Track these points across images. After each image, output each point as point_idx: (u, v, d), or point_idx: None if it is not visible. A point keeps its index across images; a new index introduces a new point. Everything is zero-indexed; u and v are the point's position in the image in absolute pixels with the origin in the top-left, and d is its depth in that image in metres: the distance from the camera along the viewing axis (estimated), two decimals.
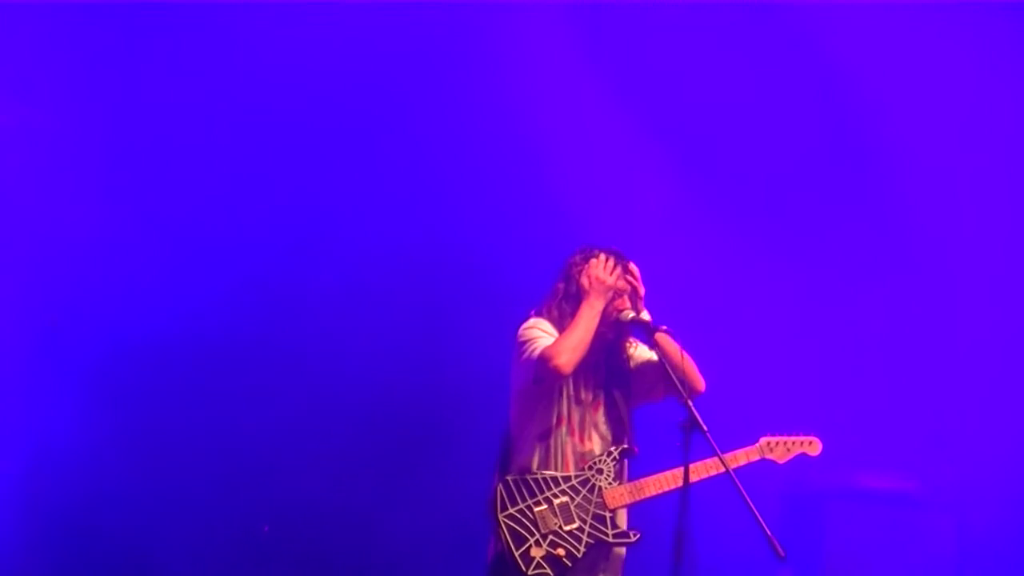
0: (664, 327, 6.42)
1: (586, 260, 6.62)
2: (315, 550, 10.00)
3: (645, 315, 6.59)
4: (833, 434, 9.81)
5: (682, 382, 6.23)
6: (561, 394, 6.51)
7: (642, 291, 6.63)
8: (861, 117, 10.29)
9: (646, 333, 6.46)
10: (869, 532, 9.56)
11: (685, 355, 6.45)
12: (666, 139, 10.25)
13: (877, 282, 10.34)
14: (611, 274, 6.53)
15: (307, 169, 10.07)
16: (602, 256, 6.57)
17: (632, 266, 6.64)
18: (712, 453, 6.24)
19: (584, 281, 6.53)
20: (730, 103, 10.25)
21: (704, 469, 6.46)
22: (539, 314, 6.64)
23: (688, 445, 6.17)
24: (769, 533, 5.97)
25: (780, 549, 5.99)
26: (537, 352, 6.40)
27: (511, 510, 6.37)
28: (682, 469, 6.24)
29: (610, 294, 6.50)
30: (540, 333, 6.48)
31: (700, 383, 6.54)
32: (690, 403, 6.16)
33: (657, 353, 6.43)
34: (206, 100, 9.90)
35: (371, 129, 10.14)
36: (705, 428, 6.15)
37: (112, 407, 9.75)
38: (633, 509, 6.55)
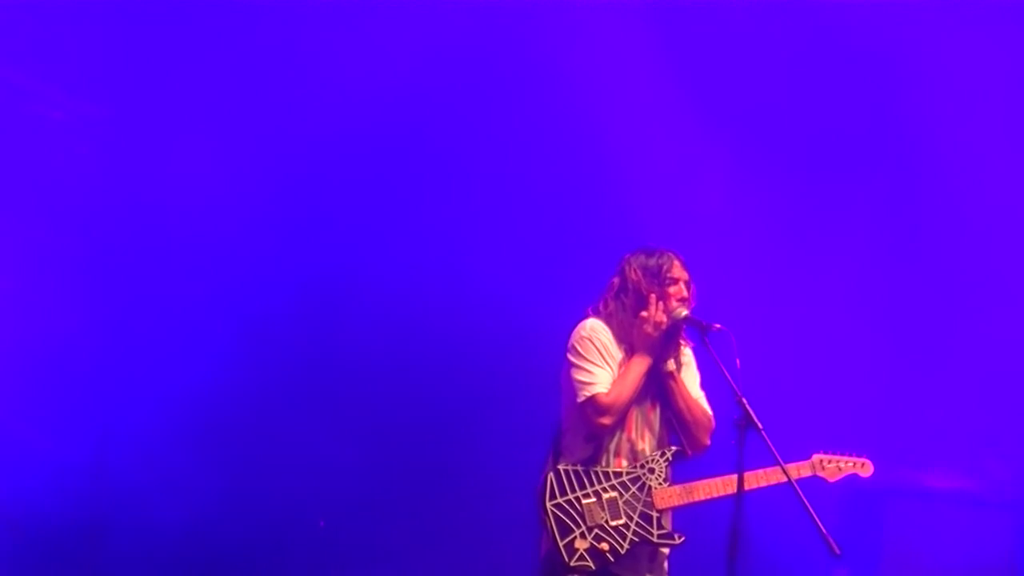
0: (717, 325, 6.42)
1: (646, 258, 6.62)
2: (372, 544, 10.09)
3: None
4: (891, 433, 9.86)
5: (732, 382, 6.23)
6: None
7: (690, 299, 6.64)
8: (915, 119, 10.24)
9: (699, 331, 6.45)
10: (926, 531, 9.52)
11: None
12: (708, 140, 10.23)
13: (933, 280, 10.28)
14: (661, 321, 6.51)
15: (339, 179, 10.16)
16: (651, 306, 6.54)
17: (682, 273, 6.63)
18: (766, 458, 6.23)
19: (636, 333, 6.53)
20: (775, 102, 10.23)
21: (758, 479, 6.46)
22: (596, 312, 6.64)
23: (742, 442, 6.17)
24: (824, 531, 5.96)
25: (835, 547, 5.97)
26: (588, 397, 6.42)
27: (559, 499, 6.38)
28: (734, 477, 6.26)
29: (658, 346, 6.51)
30: (594, 367, 6.46)
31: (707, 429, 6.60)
32: (744, 400, 6.15)
33: (711, 351, 6.43)
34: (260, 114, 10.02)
35: (397, 137, 10.20)
36: (760, 426, 6.15)
37: (174, 402, 9.88)
38: (678, 509, 6.54)
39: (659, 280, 6.56)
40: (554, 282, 9.65)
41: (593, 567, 6.32)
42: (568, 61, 10.10)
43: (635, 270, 6.60)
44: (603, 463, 6.47)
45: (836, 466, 6.76)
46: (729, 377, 6.24)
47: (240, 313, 10.00)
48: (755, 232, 10.14)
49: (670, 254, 6.65)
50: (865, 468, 6.83)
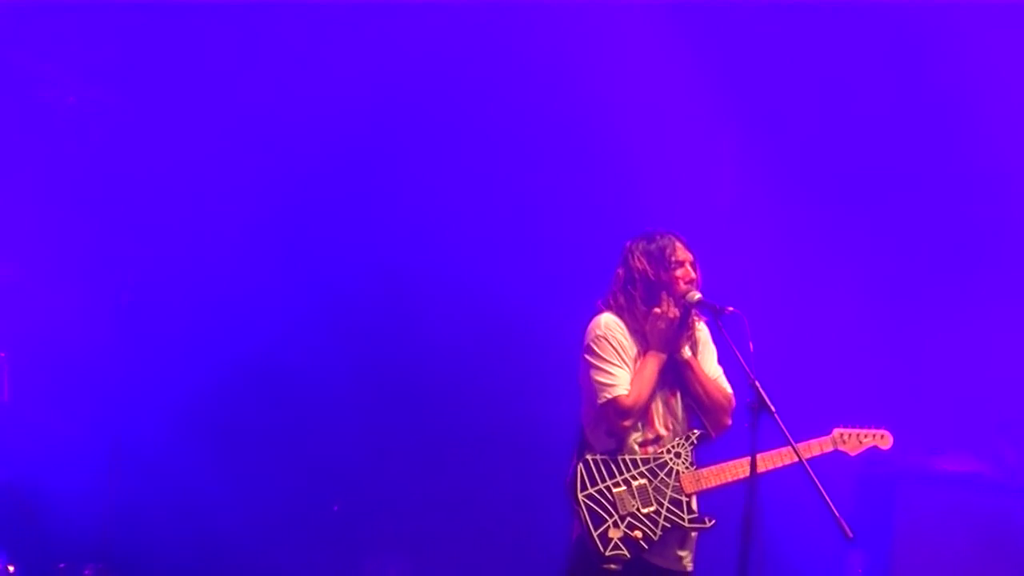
0: (730, 308, 6.41)
1: (647, 243, 6.60)
2: (401, 531, 10.16)
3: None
4: (904, 417, 9.85)
5: (746, 365, 6.23)
6: None
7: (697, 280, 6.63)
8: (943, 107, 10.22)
9: (712, 315, 6.45)
10: (938, 514, 9.51)
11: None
12: (718, 121, 10.22)
13: (948, 263, 10.26)
14: (674, 315, 6.51)
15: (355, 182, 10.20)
16: (663, 303, 6.53)
17: (685, 254, 6.62)
18: (782, 438, 6.23)
19: (648, 328, 6.53)
20: (788, 83, 10.22)
21: (776, 459, 6.46)
22: (607, 306, 6.62)
23: (756, 426, 6.18)
24: (837, 514, 5.96)
25: (848, 530, 5.97)
26: (609, 400, 6.42)
27: (591, 490, 6.38)
28: (759, 456, 6.29)
29: (672, 336, 6.51)
30: (613, 367, 6.45)
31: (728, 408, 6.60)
32: (757, 383, 6.15)
33: (724, 335, 6.42)
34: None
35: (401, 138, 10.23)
36: (773, 409, 6.15)
37: (185, 398, 9.95)
38: (704, 493, 6.54)
39: (664, 265, 6.55)
40: (572, 276, 9.64)
41: (628, 555, 6.33)
42: (569, 58, 10.10)
43: (639, 258, 6.58)
44: (629, 450, 6.47)
45: (856, 439, 6.76)
46: (742, 360, 6.24)
47: (250, 314, 10.08)
48: (770, 214, 10.12)
49: (670, 236, 6.63)
50: (885, 440, 6.84)
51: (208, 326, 10.05)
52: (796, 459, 6.26)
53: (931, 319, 10.22)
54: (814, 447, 6.62)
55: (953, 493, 9.60)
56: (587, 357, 6.53)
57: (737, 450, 6.51)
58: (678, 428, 6.56)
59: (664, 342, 6.50)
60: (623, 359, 6.50)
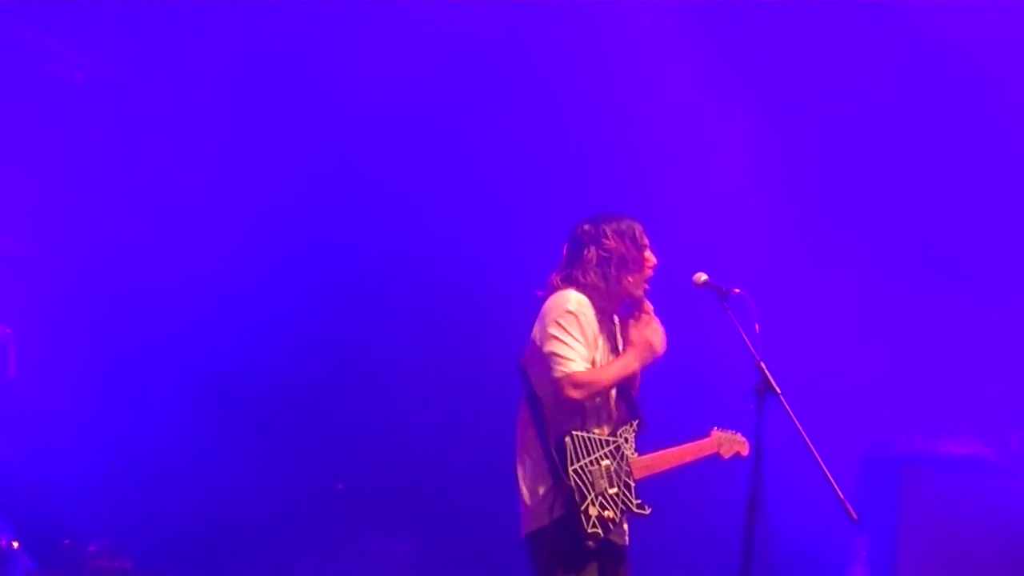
0: (737, 289, 6.40)
1: (617, 223, 6.57)
2: (406, 513, 10.21)
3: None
4: (910, 400, 9.85)
5: (751, 347, 6.23)
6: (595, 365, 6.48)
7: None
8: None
9: (718, 296, 6.44)
10: (943, 498, 9.51)
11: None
12: (725, 105, 10.21)
13: (955, 247, 10.26)
14: (660, 342, 6.51)
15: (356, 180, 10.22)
16: (652, 321, 6.54)
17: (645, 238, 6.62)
18: (788, 419, 6.24)
19: (633, 334, 6.52)
20: (800, 65, 10.20)
21: (660, 462, 6.52)
22: (575, 284, 6.53)
23: (762, 408, 6.17)
24: (842, 496, 5.96)
25: (853, 512, 5.98)
26: (566, 373, 6.33)
27: (577, 465, 6.33)
28: (701, 442, 6.56)
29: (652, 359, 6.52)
30: (575, 342, 6.39)
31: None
32: (763, 365, 6.15)
33: (731, 316, 6.41)
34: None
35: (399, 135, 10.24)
36: (779, 390, 6.14)
37: (189, 388, 10.01)
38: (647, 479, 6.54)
39: (636, 244, 6.52)
40: None
41: (602, 535, 6.28)
42: (566, 51, 10.11)
43: (612, 237, 6.53)
44: (596, 429, 6.45)
45: (730, 443, 6.74)
46: (748, 342, 6.23)
47: (255, 303, 10.11)
48: (778, 198, 10.12)
49: (631, 218, 6.61)
50: (744, 447, 6.77)
51: (216, 306, 10.08)
52: (674, 464, 6.46)
53: (938, 304, 10.20)
54: (695, 450, 6.63)
55: (958, 477, 9.60)
56: (551, 330, 6.40)
57: (680, 436, 6.61)
58: (627, 413, 6.55)
59: (650, 354, 6.50)
60: (587, 340, 6.43)
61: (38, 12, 9.81)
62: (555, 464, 6.29)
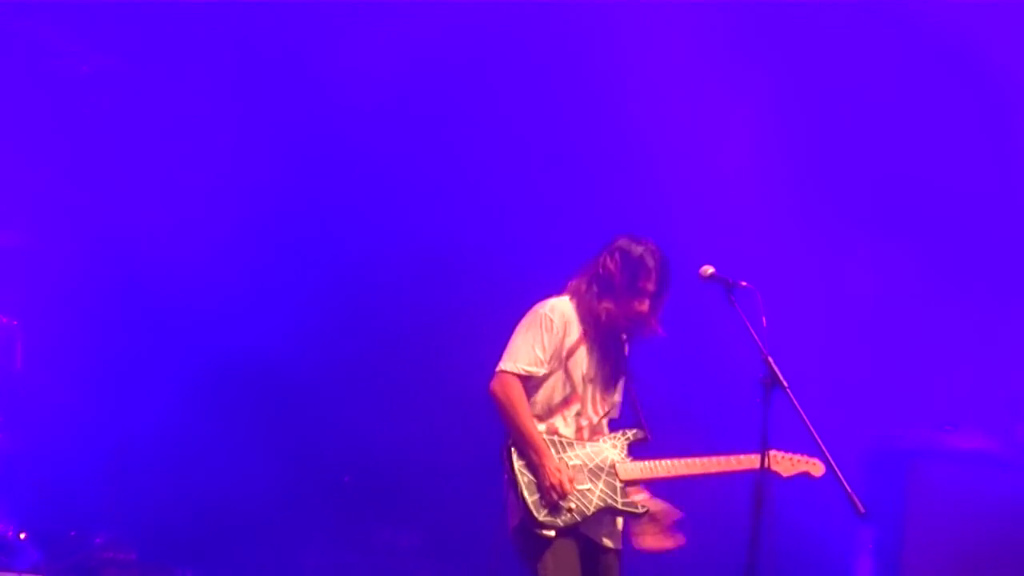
0: (744, 283, 6.40)
1: (631, 249, 6.60)
2: (413, 505, 10.22)
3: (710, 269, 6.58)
4: (917, 393, 9.84)
5: (758, 340, 6.23)
6: (571, 375, 6.59)
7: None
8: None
9: (725, 289, 6.44)
10: (950, 492, 9.49)
11: None
12: (732, 103, 10.19)
13: (962, 240, 10.24)
14: (568, 482, 6.47)
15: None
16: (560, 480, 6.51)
17: (654, 285, 6.61)
18: (795, 413, 6.24)
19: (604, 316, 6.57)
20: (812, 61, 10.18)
21: (726, 464, 6.57)
22: (572, 294, 6.66)
23: (768, 401, 6.18)
24: (849, 489, 5.96)
25: (860, 505, 5.97)
26: (502, 370, 6.55)
27: (523, 462, 6.49)
28: (696, 460, 6.57)
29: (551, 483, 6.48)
30: (531, 346, 6.53)
31: None
32: (770, 359, 6.15)
33: (737, 309, 6.40)
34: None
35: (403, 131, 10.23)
36: (786, 384, 6.15)
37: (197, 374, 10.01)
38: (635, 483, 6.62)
39: (631, 276, 6.57)
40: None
41: (560, 524, 6.42)
42: (568, 47, 10.11)
43: (615, 257, 6.62)
44: (563, 433, 6.58)
45: (790, 463, 6.70)
46: (755, 336, 6.23)
47: (262, 295, 10.12)
48: (785, 190, 10.10)
49: (654, 254, 6.61)
50: (816, 468, 6.71)
51: (222, 298, 10.07)
52: (742, 468, 6.48)
53: (945, 297, 10.18)
54: (744, 462, 6.59)
55: (965, 470, 9.58)
56: (521, 321, 6.61)
57: (748, 428, 6.51)
58: (609, 421, 6.67)
59: (537, 476, 6.47)
60: (545, 344, 6.55)
61: (45, 6, 9.81)
62: (505, 460, 6.54)
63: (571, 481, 6.44)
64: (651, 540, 6.64)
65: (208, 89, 10.07)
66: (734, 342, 6.67)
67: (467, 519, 10.04)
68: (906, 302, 10.22)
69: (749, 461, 6.49)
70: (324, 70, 10.07)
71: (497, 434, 9.37)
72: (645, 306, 6.59)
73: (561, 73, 10.19)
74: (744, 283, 6.39)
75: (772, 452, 6.47)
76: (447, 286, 10.25)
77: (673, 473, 6.60)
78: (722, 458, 6.57)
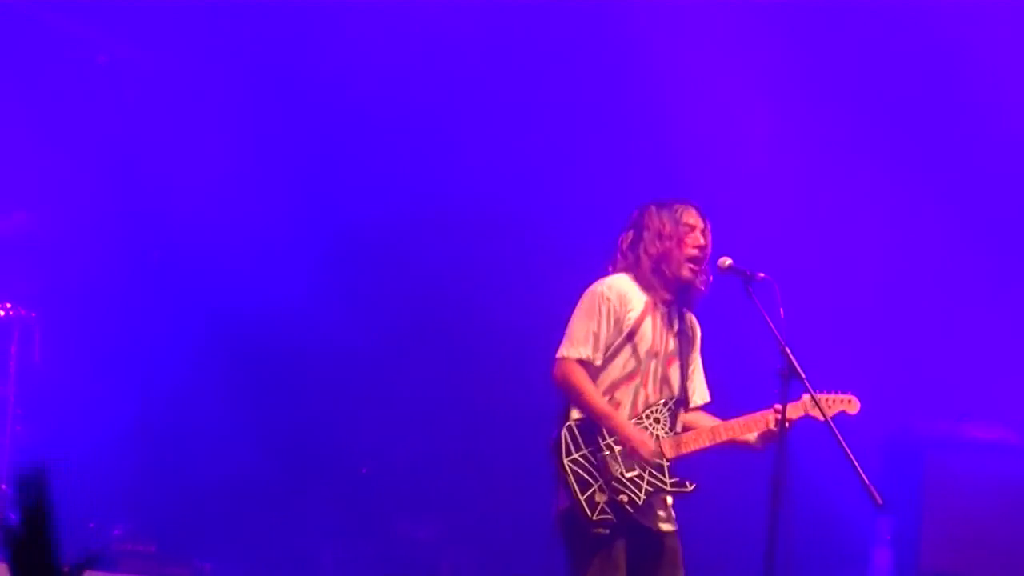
0: (761, 274, 6.39)
1: (663, 205, 6.57)
2: (432, 495, 10.21)
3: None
4: (933, 384, 9.82)
5: (776, 331, 6.21)
6: (637, 349, 6.48)
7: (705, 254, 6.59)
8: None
9: (743, 280, 6.42)
10: (968, 482, 9.48)
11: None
12: (751, 83, 10.17)
13: (975, 230, 10.20)
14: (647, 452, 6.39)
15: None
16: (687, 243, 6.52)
17: (698, 220, 6.57)
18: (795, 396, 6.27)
19: (666, 272, 6.51)
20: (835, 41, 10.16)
21: (738, 428, 6.47)
22: (622, 269, 6.59)
23: (786, 393, 6.19)
24: (867, 480, 5.95)
25: (878, 497, 5.97)
26: (563, 357, 6.44)
27: (575, 455, 6.35)
28: (736, 421, 6.42)
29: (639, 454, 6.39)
30: (591, 328, 6.43)
31: None
32: (787, 350, 6.14)
33: (755, 301, 6.38)
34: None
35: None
36: (803, 375, 6.14)
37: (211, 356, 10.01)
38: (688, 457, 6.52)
39: (675, 221, 6.51)
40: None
41: (615, 519, 6.30)
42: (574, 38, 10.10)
43: (652, 216, 6.55)
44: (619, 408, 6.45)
45: (826, 403, 6.53)
46: (773, 327, 6.22)
47: (284, 281, 10.12)
48: (803, 182, 10.09)
49: (683, 202, 6.60)
50: (852, 405, 6.60)
51: (244, 287, 10.07)
52: (714, 441, 6.42)
53: (963, 288, 10.16)
54: (744, 425, 6.51)
55: (982, 460, 9.57)
56: (578, 305, 6.51)
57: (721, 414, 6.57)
58: (666, 395, 6.54)
59: (640, 453, 6.37)
60: (609, 321, 6.46)
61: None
62: (554, 456, 6.36)
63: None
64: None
65: (227, 77, 10.08)
66: (752, 334, 6.68)
67: (486, 511, 10.07)
68: (924, 293, 10.20)
69: (791, 409, 6.36)
70: (344, 37, 10.03)
71: (518, 424, 9.41)
72: (699, 240, 6.51)
73: (581, 63, 10.18)
74: (762, 275, 6.38)
75: (805, 396, 6.39)
76: (474, 279, 10.23)
77: (718, 440, 6.45)
78: (758, 415, 6.41)
